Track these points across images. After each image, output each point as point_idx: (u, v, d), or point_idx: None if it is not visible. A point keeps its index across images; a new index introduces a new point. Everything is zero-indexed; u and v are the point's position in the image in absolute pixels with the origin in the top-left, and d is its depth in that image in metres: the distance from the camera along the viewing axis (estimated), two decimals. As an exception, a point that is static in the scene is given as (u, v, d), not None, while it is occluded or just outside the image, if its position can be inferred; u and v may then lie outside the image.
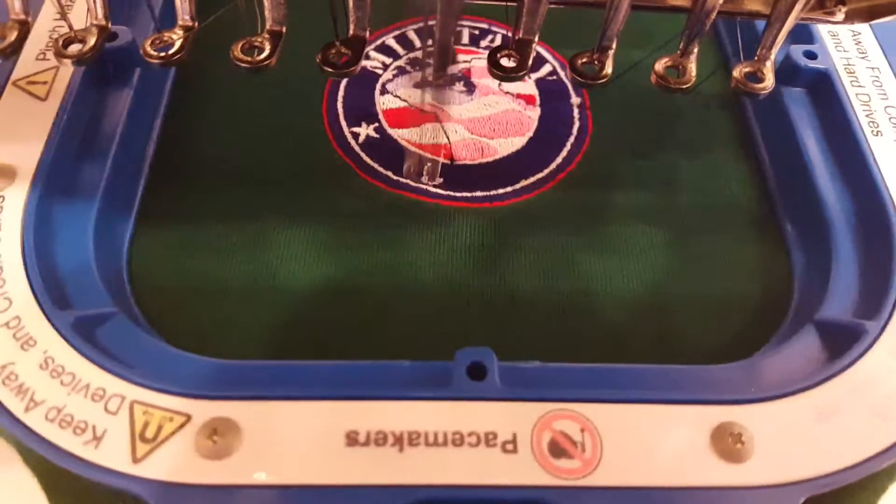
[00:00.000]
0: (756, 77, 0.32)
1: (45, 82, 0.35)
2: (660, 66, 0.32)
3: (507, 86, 0.41)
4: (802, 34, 0.39)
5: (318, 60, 0.31)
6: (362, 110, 0.40)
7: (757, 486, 0.26)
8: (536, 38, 0.31)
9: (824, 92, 0.38)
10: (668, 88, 0.31)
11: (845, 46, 0.39)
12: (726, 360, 0.31)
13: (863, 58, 0.39)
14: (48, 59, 0.36)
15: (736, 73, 0.32)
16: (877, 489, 0.29)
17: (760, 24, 0.37)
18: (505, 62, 0.32)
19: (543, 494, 0.26)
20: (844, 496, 0.28)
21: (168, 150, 0.38)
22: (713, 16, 0.30)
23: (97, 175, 0.34)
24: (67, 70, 0.36)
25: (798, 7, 0.30)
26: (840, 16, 0.32)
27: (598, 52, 0.32)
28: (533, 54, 0.32)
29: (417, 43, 0.43)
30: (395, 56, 0.43)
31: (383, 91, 0.41)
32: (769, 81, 0.32)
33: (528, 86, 0.42)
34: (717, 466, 0.27)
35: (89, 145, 0.35)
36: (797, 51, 0.38)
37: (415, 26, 0.44)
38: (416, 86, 0.41)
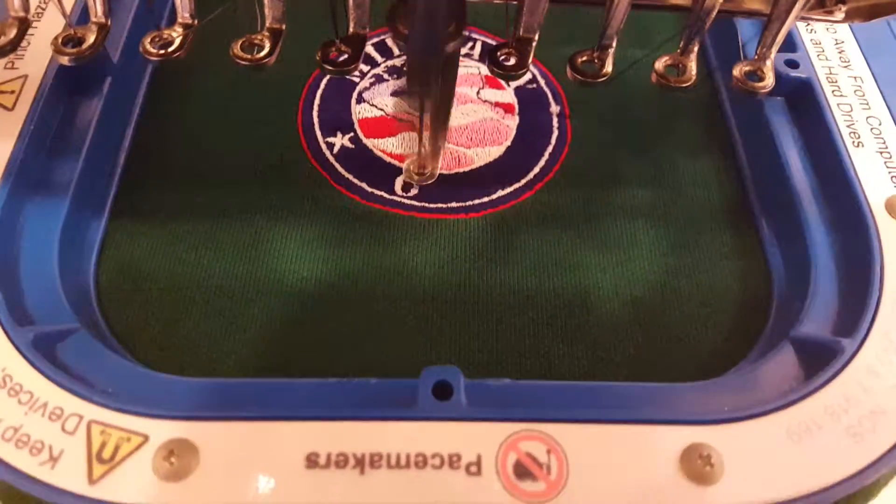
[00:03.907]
0: (756, 76, 0.32)
1: (12, 91, 0.35)
2: (660, 64, 0.31)
3: (485, 94, 0.41)
4: (784, 42, 0.39)
5: (317, 58, 0.31)
6: (338, 119, 0.40)
7: (726, 510, 0.26)
8: (537, 37, 0.31)
9: (806, 101, 0.37)
10: (669, 87, 0.31)
11: (828, 55, 0.39)
12: (703, 376, 0.31)
13: (845, 67, 0.38)
14: (16, 68, 0.35)
15: (736, 71, 0.32)
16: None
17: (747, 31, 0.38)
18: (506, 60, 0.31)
19: (507, 518, 0.25)
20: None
21: (139, 161, 0.38)
22: (713, 14, 0.30)
23: (64, 186, 0.34)
24: (36, 79, 0.35)
25: (798, 6, 0.30)
26: (840, 15, 0.32)
27: (598, 51, 0.31)
28: (532, 52, 0.31)
29: (396, 50, 0.43)
30: (373, 64, 0.42)
31: (359, 100, 0.40)
32: (769, 80, 0.32)
33: (506, 94, 0.41)
34: (685, 489, 0.26)
35: (57, 154, 0.35)
36: (779, 59, 0.38)
37: (394, 33, 0.43)
38: (394, 94, 0.41)
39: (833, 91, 0.37)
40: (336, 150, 0.39)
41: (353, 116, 0.40)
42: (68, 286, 0.32)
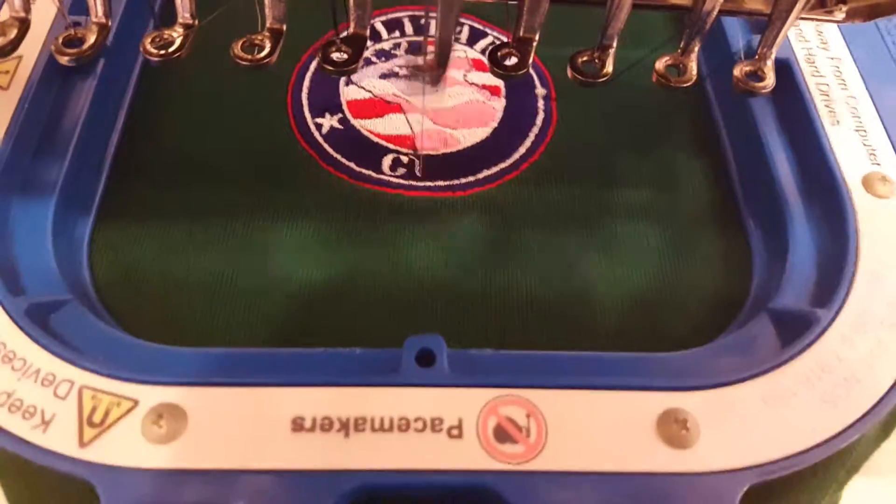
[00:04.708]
0: (757, 76, 0.32)
1: (7, 72, 0.35)
2: (660, 64, 0.32)
3: (472, 76, 0.42)
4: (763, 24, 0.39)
5: (318, 58, 0.31)
6: (327, 101, 0.40)
7: (701, 473, 0.26)
8: (537, 37, 0.32)
9: (784, 82, 0.37)
10: (669, 87, 0.32)
11: (807, 36, 0.39)
12: (683, 350, 0.31)
13: (824, 48, 0.39)
14: (12, 49, 0.36)
15: (737, 71, 0.32)
16: (827, 478, 0.29)
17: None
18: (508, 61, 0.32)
19: (486, 479, 0.26)
20: (792, 484, 0.28)
21: (132, 143, 0.38)
22: (714, 14, 0.30)
23: (58, 164, 0.34)
24: (30, 59, 0.36)
25: (798, 6, 0.30)
26: (840, 15, 0.32)
27: (598, 51, 0.32)
28: (533, 52, 0.32)
29: (385, 34, 0.43)
30: (363, 47, 0.43)
31: (348, 82, 0.41)
32: (770, 80, 0.32)
33: (493, 77, 0.41)
34: (661, 452, 0.27)
35: (51, 135, 0.35)
36: (757, 40, 0.38)
37: (382, 18, 0.44)
38: (383, 76, 0.41)
39: (811, 72, 0.38)
40: (325, 130, 0.39)
41: (342, 98, 0.40)
42: (62, 265, 0.32)
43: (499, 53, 0.32)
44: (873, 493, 0.31)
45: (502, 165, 0.39)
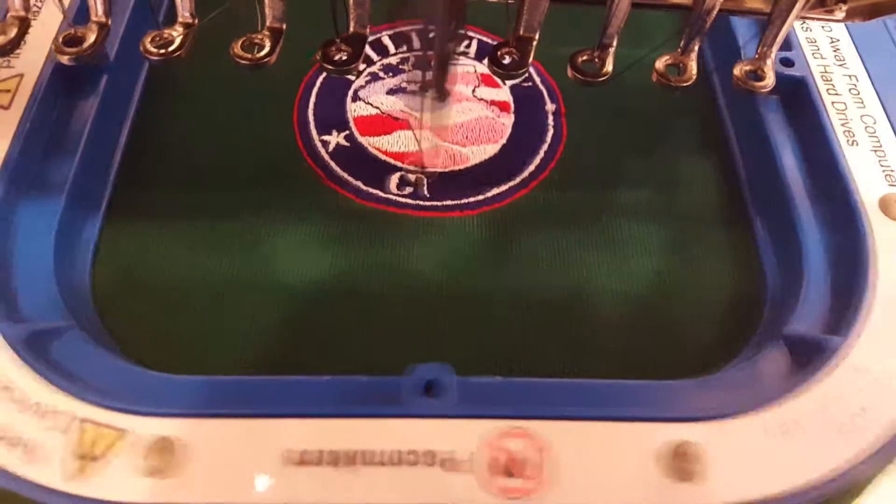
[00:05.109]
0: (757, 75, 0.32)
1: (8, 90, 0.35)
2: (660, 63, 0.31)
3: (480, 92, 0.41)
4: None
5: (318, 58, 0.31)
6: (333, 117, 0.40)
7: (712, 508, 0.26)
8: (537, 36, 0.31)
9: (800, 100, 0.37)
10: (669, 86, 0.31)
11: (823, 53, 0.38)
12: (695, 375, 0.31)
13: (840, 65, 0.38)
14: (12, 67, 0.36)
15: (737, 71, 0.32)
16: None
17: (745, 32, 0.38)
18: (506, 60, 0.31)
19: (493, 515, 0.25)
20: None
21: (135, 160, 0.38)
22: (714, 13, 0.30)
23: (60, 184, 0.34)
24: (32, 77, 0.35)
25: (798, 5, 0.30)
26: (840, 14, 0.31)
27: (598, 50, 0.31)
28: (533, 52, 0.31)
29: (392, 48, 0.43)
30: (369, 62, 0.42)
31: (355, 98, 0.41)
32: (770, 79, 0.32)
33: (502, 92, 0.41)
34: (671, 487, 0.26)
35: (53, 152, 0.35)
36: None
37: (389, 32, 0.44)
38: (390, 92, 0.41)
39: (828, 89, 0.37)
40: (331, 148, 0.39)
41: (349, 114, 0.40)
42: (63, 285, 0.32)
43: (499, 53, 0.31)
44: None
45: (512, 183, 0.38)
